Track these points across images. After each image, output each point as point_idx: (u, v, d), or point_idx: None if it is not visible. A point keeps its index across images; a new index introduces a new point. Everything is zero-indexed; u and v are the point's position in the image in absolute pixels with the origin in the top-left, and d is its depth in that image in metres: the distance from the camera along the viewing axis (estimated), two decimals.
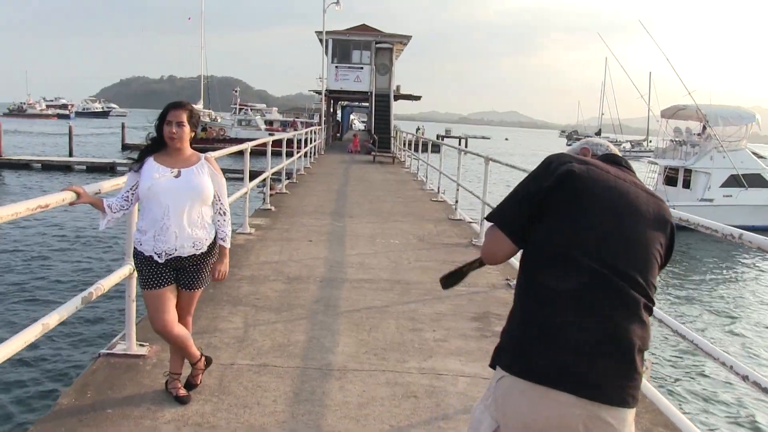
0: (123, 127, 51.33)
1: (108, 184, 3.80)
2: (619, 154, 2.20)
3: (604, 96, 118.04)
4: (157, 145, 3.57)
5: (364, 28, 34.50)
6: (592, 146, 2.30)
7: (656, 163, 29.27)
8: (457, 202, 12.03)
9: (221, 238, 3.74)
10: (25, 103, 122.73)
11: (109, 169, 32.77)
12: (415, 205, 13.17)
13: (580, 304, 1.90)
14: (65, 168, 33.60)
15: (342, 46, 33.45)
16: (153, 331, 3.73)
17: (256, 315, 5.40)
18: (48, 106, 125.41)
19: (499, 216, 2.09)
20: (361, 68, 33.21)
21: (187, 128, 3.50)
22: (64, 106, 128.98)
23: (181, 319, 3.72)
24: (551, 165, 2.04)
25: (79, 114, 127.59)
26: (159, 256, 3.51)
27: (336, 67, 33.12)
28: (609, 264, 1.92)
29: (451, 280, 2.50)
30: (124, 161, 34.24)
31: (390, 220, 10.99)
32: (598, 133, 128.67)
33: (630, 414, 1.91)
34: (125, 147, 48.45)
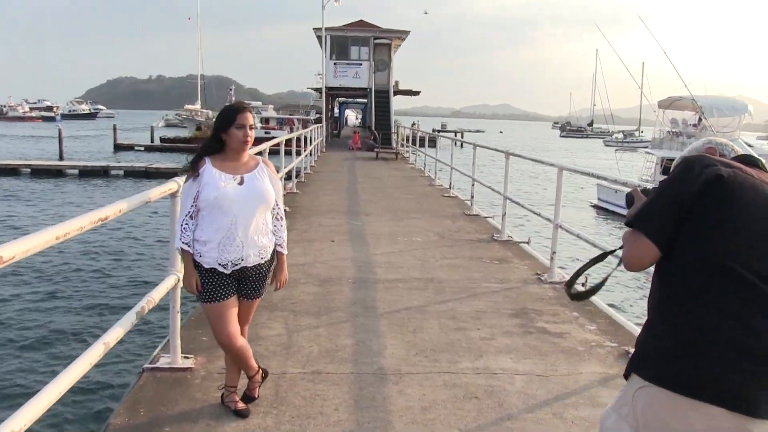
0: (114, 128, 51.06)
1: (157, 193, 3.69)
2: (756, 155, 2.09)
3: (596, 87, 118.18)
4: (211, 151, 3.45)
5: (361, 24, 34.31)
6: (719, 146, 2.18)
7: (653, 154, 29.28)
8: (472, 197, 11.93)
9: (279, 245, 3.64)
10: (5, 106, 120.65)
11: (102, 173, 31.70)
12: (428, 202, 13.07)
13: (729, 314, 1.81)
14: (56, 173, 31.95)
15: (340, 43, 33.24)
16: (198, 341, 3.63)
17: (296, 320, 5.30)
18: (31, 109, 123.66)
19: (643, 221, 1.98)
20: (360, 64, 33.02)
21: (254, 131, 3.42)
22: (49, 108, 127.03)
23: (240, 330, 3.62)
24: (694, 168, 1.93)
25: (65, 116, 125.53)
26: (225, 267, 3.39)
27: (334, 63, 32.95)
28: (761, 274, 1.82)
29: (582, 291, 2.39)
30: (118, 164, 33.65)
31: (406, 218, 10.90)
32: (591, 124, 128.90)
33: None
34: (117, 147, 48.14)
